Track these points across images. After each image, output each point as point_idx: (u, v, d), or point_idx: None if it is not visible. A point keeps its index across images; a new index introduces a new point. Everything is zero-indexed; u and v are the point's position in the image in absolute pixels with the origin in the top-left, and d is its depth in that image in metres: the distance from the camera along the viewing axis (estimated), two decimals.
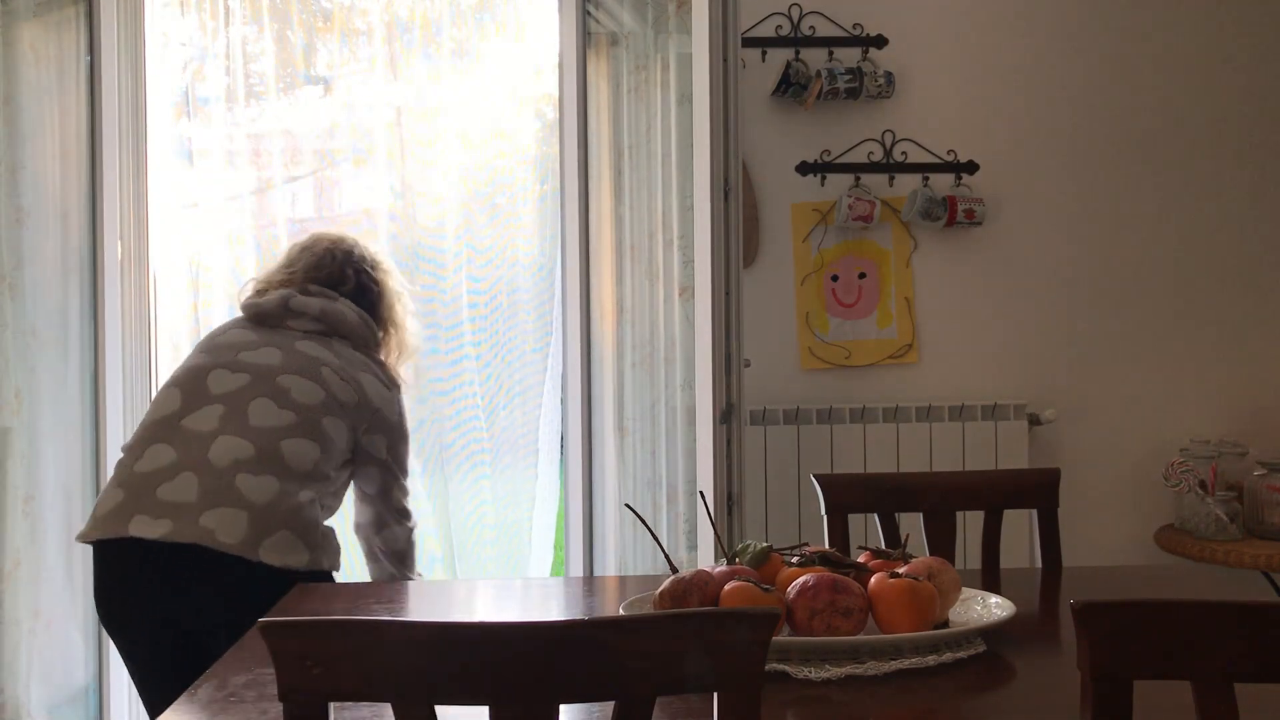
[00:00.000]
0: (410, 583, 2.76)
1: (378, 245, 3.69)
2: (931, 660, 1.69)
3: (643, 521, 1.96)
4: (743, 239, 3.12)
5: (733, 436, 3.06)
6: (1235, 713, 1.25)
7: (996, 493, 2.46)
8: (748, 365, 3.13)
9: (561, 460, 3.93)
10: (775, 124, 3.84)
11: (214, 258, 3.78)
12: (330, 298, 2.76)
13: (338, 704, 1.23)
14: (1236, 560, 3.51)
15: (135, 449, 2.55)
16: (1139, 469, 3.89)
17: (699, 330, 3.15)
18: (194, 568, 2.40)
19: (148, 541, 2.40)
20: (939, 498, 2.43)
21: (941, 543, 2.39)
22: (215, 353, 2.64)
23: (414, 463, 3.28)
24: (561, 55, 3.75)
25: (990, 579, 2.27)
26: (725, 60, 3.02)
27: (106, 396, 3.59)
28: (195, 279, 3.78)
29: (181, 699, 1.62)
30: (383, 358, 2.85)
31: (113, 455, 3.58)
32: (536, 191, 3.86)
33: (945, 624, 1.84)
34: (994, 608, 1.86)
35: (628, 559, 3.74)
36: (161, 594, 2.46)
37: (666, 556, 1.93)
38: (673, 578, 1.77)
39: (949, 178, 3.87)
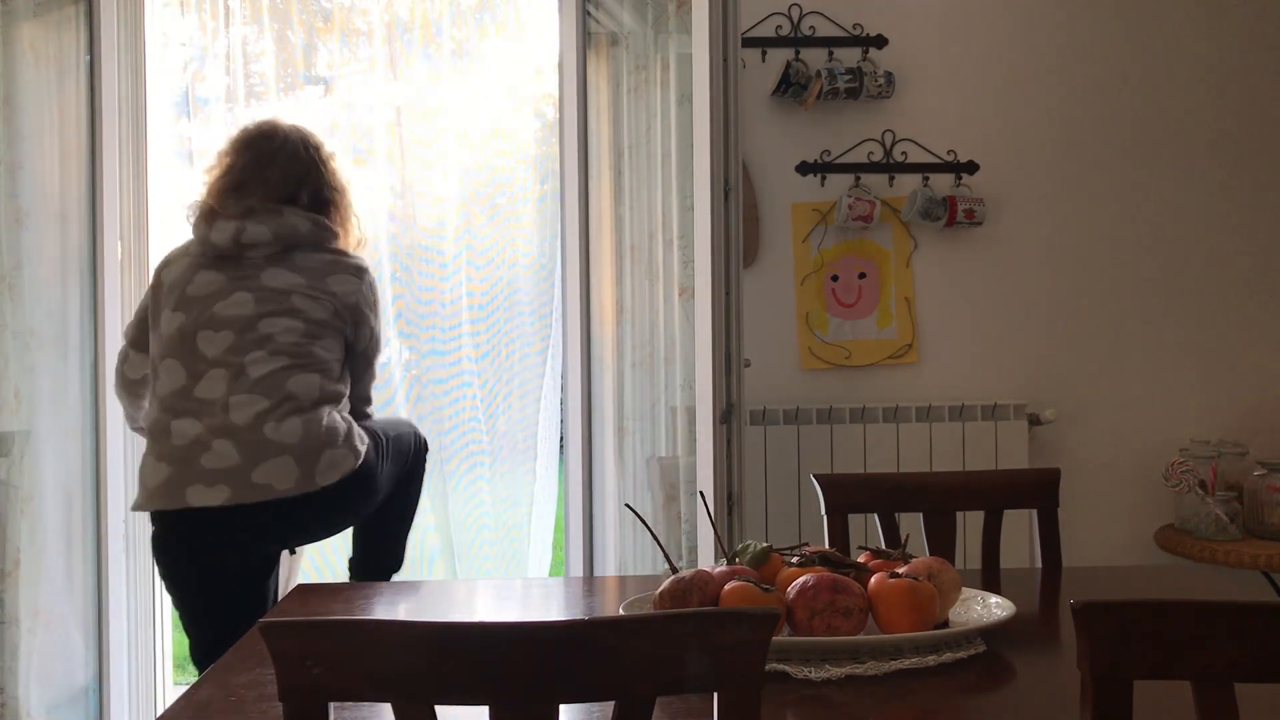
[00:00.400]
0: (410, 583, 2.77)
1: (377, 245, 3.71)
2: (931, 660, 1.69)
3: (643, 521, 1.96)
4: (743, 239, 3.12)
5: (733, 436, 3.06)
6: (1235, 713, 1.25)
7: (996, 493, 2.46)
8: (748, 365, 3.13)
9: (561, 460, 3.93)
10: (775, 124, 3.84)
11: None
12: (277, 212, 2.76)
13: (338, 704, 1.23)
14: (1236, 560, 3.51)
15: (161, 424, 2.66)
16: (1139, 469, 3.89)
17: (699, 330, 3.15)
18: (262, 520, 2.62)
19: (211, 510, 2.58)
20: (939, 498, 2.43)
21: (941, 543, 2.39)
22: (191, 308, 2.70)
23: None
24: (561, 55, 3.75)
25: (990, 579, 2.27)
26: (725, 60, 3.02)
27: (106, 396, 3.59)
28: None
29: (181, 698, 1.62)
30: (341, 247, 2.86)
31: (113, 455, 3.59)
32: (536, 191, 3.86)
33: (945, 624, 1.84)
34: (994, 608, 1.86)
35: (628, 559, 3.74)
36: (233, 550, 2.66)
37: (666, 556, 1.93)
38: (673, 578, 1.77)
39: (949, 178, 3.87)
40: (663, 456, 3.70)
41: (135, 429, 3.00)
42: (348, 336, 2.79)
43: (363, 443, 2.72)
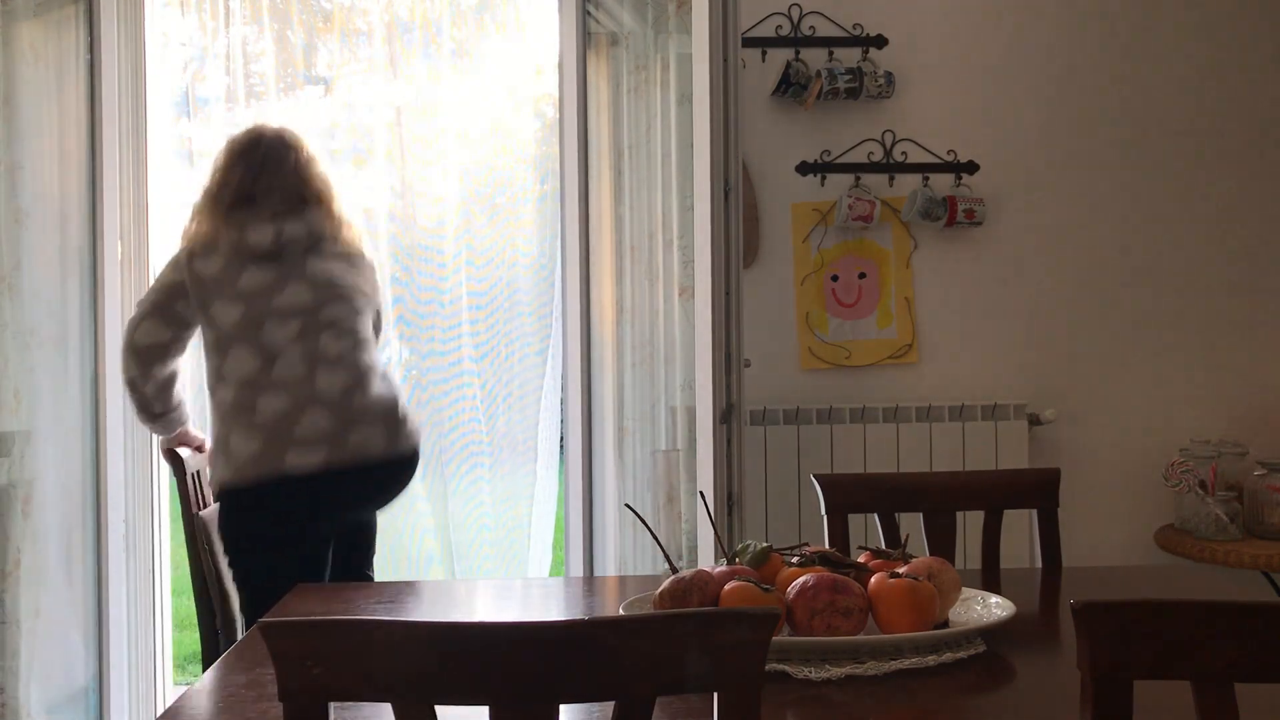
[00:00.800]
0: (410, 583, 2.77)
1: (377, 245, 3.71)
2: (931, 660, 1.69)
3: (643, 521, 1.96)
4: (743, 239, 3.12)
5: (733, 436, 3.06)
6: (1235, 713, 1.25)
7: (996, 493, 2.45)
8: (748, 365, 3.13)
9: (561, 460, 3.93)
10: (775, 124, 3.84)
11: None
12: (301, 213, 2.96)
13: (338, 704, 1.23)
14: (1236, 560, 3.51)
15: (245, 401, 2.82)
16: (1139, 469, 3.88)
17: (699, 330, 3.15)
18: (353, 483, 2.86)
19: (307, 474, 2.79)
20: (939, 498, 2.43)
21: (941, 543, 2.39)
22: (248, 301, 2.87)
23: None
24: (561, 55, 3.75)
25: (990, 579, 2.27)
26: (725, 60, 3.02)
27: (106, 396, 3.59)
28: None
29: (181, 698, 1.62)
30: (349, 239, 3.07)
31: (113, 455, 3.60)
32: (536, 191, 3.86)
33: (945, 624, 1.84)
34: (994, 608, 1.86)
35: (628, 559, 3.74)
36: (324, 513, 2.87)
37: (666, 556, 1.93)
38: (673, 578, 1.77)
39: (949, 178, 3.87)
40: (666, 449, 3.70)
41: (140, 398, 3.01)
42: (372, 320, 3.04)
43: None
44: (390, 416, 2.91)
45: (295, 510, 2.83)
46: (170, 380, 3.01)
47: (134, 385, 3.00)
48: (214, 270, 2.90)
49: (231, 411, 2.84)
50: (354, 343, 2.92)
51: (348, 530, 3.03)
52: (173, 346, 2.98)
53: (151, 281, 3.67)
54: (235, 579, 2.91)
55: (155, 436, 3.67)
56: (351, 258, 3.02)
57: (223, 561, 2.93)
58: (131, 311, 3.07)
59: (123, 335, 3.04)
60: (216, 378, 2.89)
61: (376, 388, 2.91)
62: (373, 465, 2.87)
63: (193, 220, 2.99)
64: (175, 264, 2.96)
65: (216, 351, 2.89)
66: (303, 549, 2.86)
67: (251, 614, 2.86)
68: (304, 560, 2.86)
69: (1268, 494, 3.63)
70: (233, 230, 2.91)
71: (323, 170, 3.07)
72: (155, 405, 3.00)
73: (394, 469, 2.94)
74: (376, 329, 3.08)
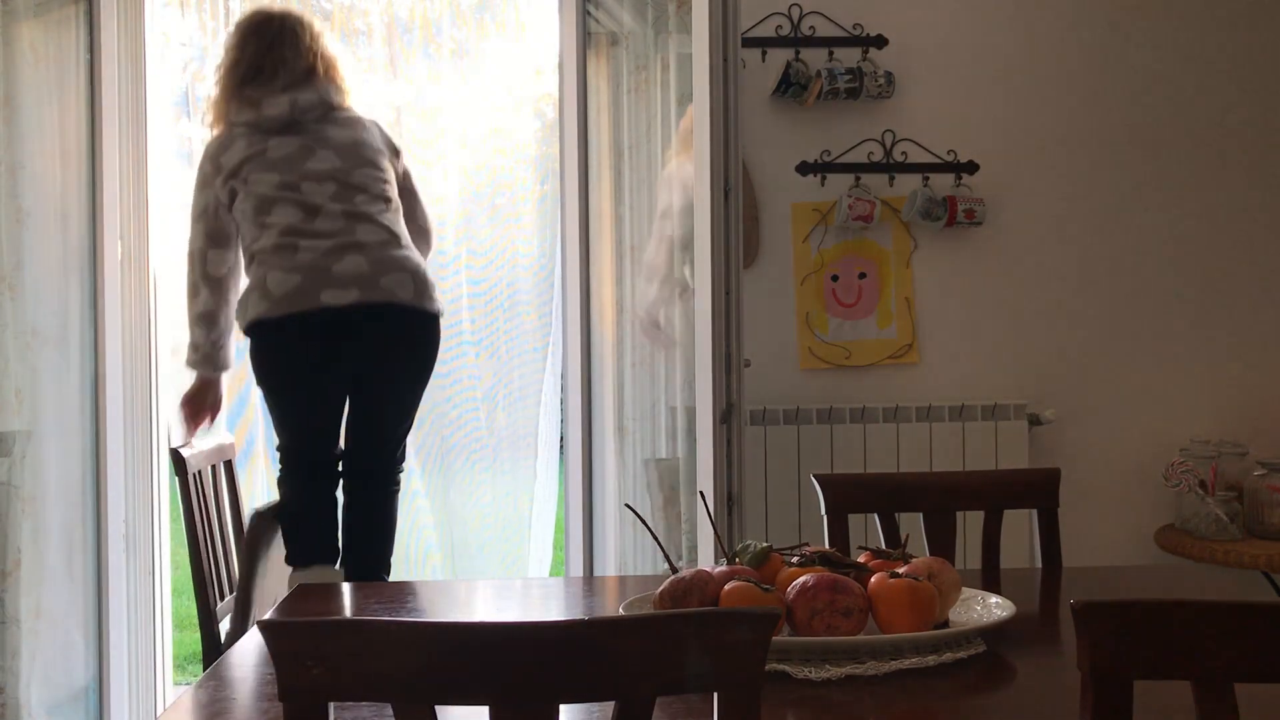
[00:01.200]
0: (410, 583, 2.77)
1: None
2: (931, 660, 1.69)
3: (643, 521, 1.95)
4: (743, 239, 3.12)
5: (733, 436, 3.06)
6: (1235, 713, 1.25)
7: (996, 492, 2.45)
8: (748, 365, 3.13)
9: (561, 460, 3.93)
10: (775, 124, 3.84)
11: None
12: (311, 83, 3.19)
13: (338, 704, 1.23)
14: (1236, 560, 3.51)
15: (287, 244, 3.05)
16: (1139, 469, 3.88)
17: (699, 330, 3.15)
18: (382, 322, 3.08)
19: (339, 308, 3.02)
20: (939, 498, 2.43)
21: (941, 543, 2.39)
22: (281, 167, 3.11)
23: (413, 459, 3.43)
24: (561, 55, 3.75)
25: (990, 579, 2.27)
26: (725, 60, 3.02)
27: (106, 396, 3.59)
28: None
29: (181, 698, 1.62)
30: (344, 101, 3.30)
31: (113, 455, 3.60)
32: (536, 191, 3.86)
33: (945, 624, 1.84)
34: (994, 608, 1.86)
35: (628, 559, 3.74)
36: (351, 351, 3.09)
37: (666, 556, 1.93)
38: (673, 578, 1.77)
39: (949, 178, 3.87)
40: (661, 458, 3.70)
41: (214, 332, 3.22)
42: (399, 181, 3.26)
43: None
44: (419, 274, 3.13)
45: (327, 341, 3.06)
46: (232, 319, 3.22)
47: (211, 318, 3.19)
48: (238, 154, 3.12)
49: (272, 255, 3.05)
50: (384, 206, 3.15)
51: (369, 401, 3.20)
52: (237, 266, 3.19)
53: (154, 289, 3.68)
54: (271, 415, 3.23)
55: (156, 437, 3.68)
56: (363, 123, 3.24)
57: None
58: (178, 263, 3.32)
59: (189, 272, 3.22)
60: (258, 230, 3.09)
61: (407, 248, 3.14)
62: (402, 309, 3.08)
63: (210, 113, 3.23)
64: (203, 181, 3.16)
65: (258, 212, 3.09)
66: (325, 384, 3.11)
67: (284, 446, 3.19)
68: (325, 398, 3.13)
69: (1267, 494, 3.63)
70: (248, 110, 3.14)
71: (328, 43, 3.29)
72: (226, 337, 3.23)
73: (422, 319, 3.14)
74: (405, 190, 3.27)
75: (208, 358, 3.22)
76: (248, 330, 3.11)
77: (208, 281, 3.19)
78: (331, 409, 3.19)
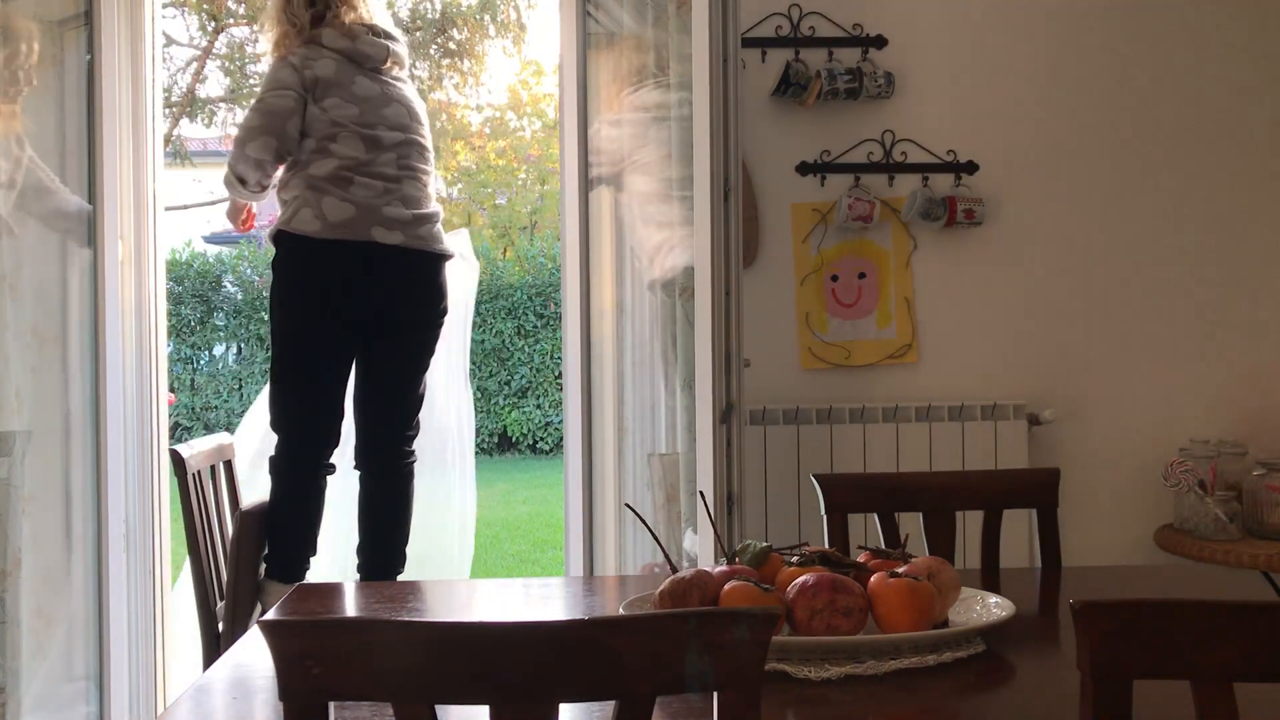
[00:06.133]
0: (410, 583, 2.78)
1: None
2: (931, 660, 1.69)
3: (643, 521, 1.96)
4: (743, 239, 3.12)
5: (733, 436, 3.06)
6: (1235, 713, 1.25)
7: (996, 492, 2.45)
8: (748, 365, 3.13)
9: (561, 460, 3.93)
10: (775, 124, 3.84)
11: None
12: (368, 37, 3.53)
13: (338, 704, 1.23)
14: (1236, 560, 3.51)
15: (345, 176, 3.37)
16: (1139, 469, 3.89)
17: (699, 330, 3.15)
18: (419, 266, 3.46)
19: (386, 246, 3.38)
20: (939, 498, 2.43)
21: (941, 543, 2.39)
22: (362, 105, 3.45)
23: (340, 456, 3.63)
24: (561, 55, 3.75)
25: (990, 579, 2.27)
26: (725, 60, 3.02)
27: (107, 396, 3.59)
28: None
29: (182, 698, 1.62)
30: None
31: (114, 455, 3.59)
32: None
33: (945, 624, 1.84)
34: (994, 608, 1.86)
35: (628, 559, 3.73)
36: (393, 286, 3.41)
37: (666, 556, 1.93)
38: (673, 578, 1.77)
39: (949, 178, 3.87)
40: (663, 453, 3.70)
41: (250, 187, 3.52)
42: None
43: None
44: (440, 231, 3.54)
45: (365, 273, 3.37)
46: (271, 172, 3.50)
47: (241, 180, 3.48)
48: (327, 72, 3.43)
49: (328, 181, 3.36)
50: (426, 164, 3.53)
51: (384, 355, 3.50)
52: (281, 159, 3.45)
53: (154, 288, 3.69)
54: (273, 338, 3.48)
55: (156, 437, 3.68)
56: (415, 92, 3.62)
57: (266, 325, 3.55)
58: (234, 137, 3.57)
59: (232, 148, 3.51)
60: (321, 154, 3.39)
61: (434, 202, 3.54)
62: (435, 259, 3.49)
63: (277, 30, 3.53)
64: (279, 84, 3.42)
65: (326, 136, 3.39)
66: (339, 328, 3.39)
67: (275, 377, 3.46)
68: (336, 348, 3.42)
69: (1267, 494, 3.63)
70: (344, 39, 3.46)
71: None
72: (262, 183, 3.51)
73: (441, 276, 3.52)
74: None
75: (257, 191, 3.53)
76: (291, 241, 3.36)
77: (246, 161, 3.45)
78: (339, 366, 3.45)
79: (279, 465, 3.38)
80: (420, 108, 3.63)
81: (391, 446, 3.46)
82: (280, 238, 3.39)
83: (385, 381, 3.47)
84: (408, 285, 3.46)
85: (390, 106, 3.50)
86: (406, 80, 3.64)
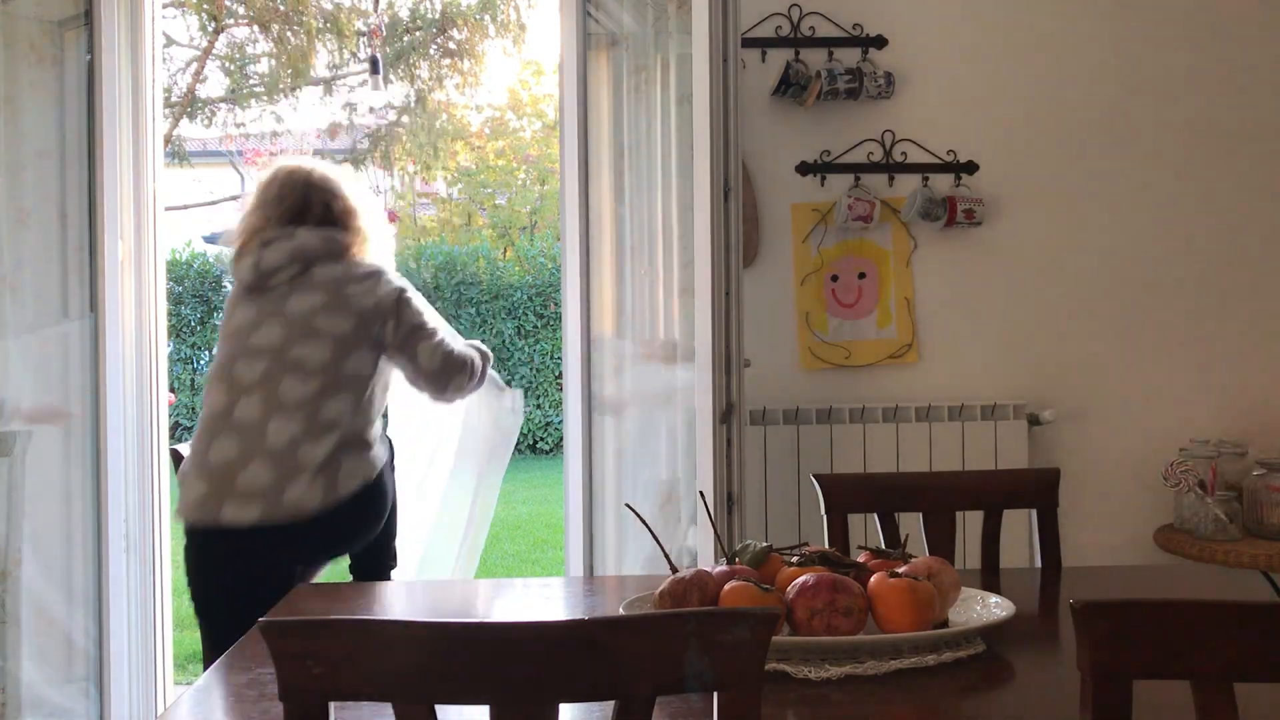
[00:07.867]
0: (410, 583, 2.78)
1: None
2: (931, 660, 1.69)
3: (643, 521, 1.96)
4: (743, 239, 3.12)
5: (733, 436, 3.06)
6: (1235, 713, 1.25)
7: (996, 493, 2.46)
8: (748, 365, 3.13)
9: (561, 460, 3.93)
10: (775, 124, 3.84)
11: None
12: (289, 236, 2.97)
13: (338, 704, 1.23)
14: (1236, 560, 3.51)
15: (202, 441, 2.87)
16: (1139, 469, 3.89)
17: (699, 330, 3.15)
18: (289, 539, 2.80)
19: (243, 529, 2.77)
20: (939, 498, 2.43)
21: (941, 543, 2.39)
22: (232, 341, 2.94)
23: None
24: (562, 55, 3.75)
25: (990, 579, 2.27)
26: (725, 60, 3.02)
27: (107, 396, 3.59)
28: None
29: (181, 698, 1.62)
30: (356, 256, 3.04)
31: (114, 455, 3.60)
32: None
33: (945, 624, 1.84)
34: (994, 608, 1.86)
35: (628, 559, 3.73)
36: (260, 566, 2.80)
37: (666, 556, 1.93)
38: (673, 578, 1.77)
39: (949, 178, 3.87)
40: (665, 451, 3.71)
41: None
42: (380, 338, 2.93)
43: (383, 456, 2.95)
44: (332, 469, 2.80)
45: (231, 562, 2.82)
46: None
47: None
48: (226, 311, 3.07)
49: (195, 446, 2.91)
50: (319, 388, 2.82)
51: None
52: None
53: (154, 288, 3.69)
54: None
55: (157, 437, 3.68)
56: (351, 279, 2.93)
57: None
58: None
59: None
60: (203, 407, 2.98)
61: (328, 438, 2.80)
62: (310, 522, 2.79)
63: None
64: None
65: (206, 385, 3.00)
66: (242, 598, 2.69)
67: (206, 654, 2.93)
68: (249, 608, 2.70)
69: (1267, 494, 3.64)
70: (234, 265, 3.04)
71: (351, 192, 3.07)
72: None
73: (330, 523, 2.83)
74: (400, 346, 2.93)
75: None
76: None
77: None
78: (238, 621, 2.76)
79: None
80: (352, 295, 2.92)
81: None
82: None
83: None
84: (299, 562, 2.93)
85: (262, 328, 2.91)
86: (320, 265, 2.96)
